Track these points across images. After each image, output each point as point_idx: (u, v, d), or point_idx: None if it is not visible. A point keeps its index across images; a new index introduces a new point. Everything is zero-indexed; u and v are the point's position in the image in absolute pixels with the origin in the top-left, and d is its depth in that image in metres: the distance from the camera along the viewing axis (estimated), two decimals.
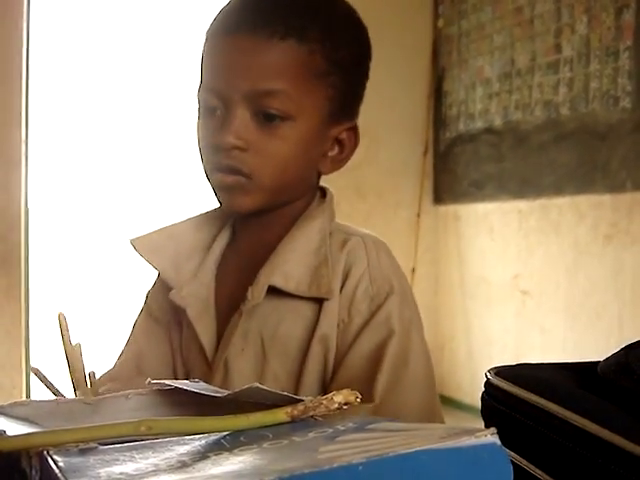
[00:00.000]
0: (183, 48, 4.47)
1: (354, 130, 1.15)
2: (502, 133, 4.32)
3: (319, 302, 1.07)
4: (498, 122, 4.35)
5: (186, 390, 0.60)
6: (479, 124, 4.52)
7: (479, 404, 0.61)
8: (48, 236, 4.39)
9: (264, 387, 0.53)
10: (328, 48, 1.08)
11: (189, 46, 4.44)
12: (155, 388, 0.63)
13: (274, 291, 1.07)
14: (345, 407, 0.53)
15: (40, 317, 4.37)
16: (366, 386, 0.99)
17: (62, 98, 4.39)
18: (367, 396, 0.97)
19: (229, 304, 1.12)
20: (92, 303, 4.17)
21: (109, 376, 1.16)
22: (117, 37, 4.49)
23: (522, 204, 4.16)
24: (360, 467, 0.38)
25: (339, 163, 1.15)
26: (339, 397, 0.53)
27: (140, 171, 4.49)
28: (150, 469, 0.42)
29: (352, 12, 1.15)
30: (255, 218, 1.14)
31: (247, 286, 1.08)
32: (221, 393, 0.57)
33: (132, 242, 1.17)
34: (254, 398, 0.54)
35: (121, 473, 0.41)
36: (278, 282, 1.07)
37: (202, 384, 0.62)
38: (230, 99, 1.05)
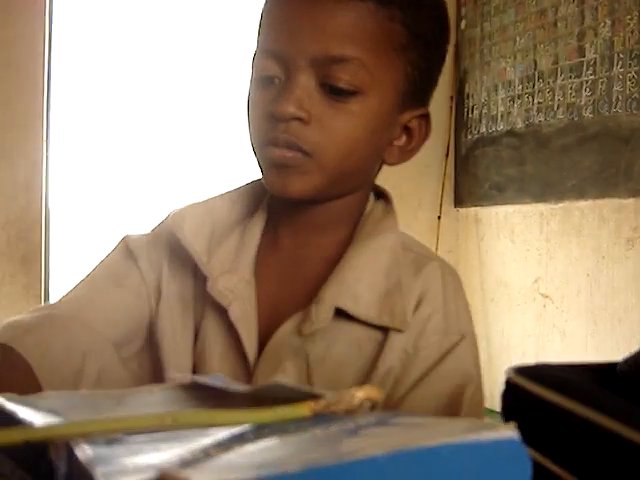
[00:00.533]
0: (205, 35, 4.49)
1: (426, 118, 1.02)
2: (524, 136, 4.31)
3: (384, 331, 0.95)
4: (520, 125, 4.34)
5: (209, 385, 0.61)
6: (501, 127, 4.51)
7: (499, 408, 0.62)
8: (68, 235, 4.42)
9: (286, 383, 0.54)
10: (410, 18, 0.93)
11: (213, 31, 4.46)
12: (178, 383, 0.64)
13: (338, 312, 0.95)
14: (366, 404, 0.54)
15: None
16: None
17: (83, 97, 4.42)
18: None
19: (271, 309, 0.99)
20: None
21: (49, 306, 1.02)
22: (137, 33, 4.51)
23: (544, 207, 4.15)
24: (383, 460, 0.39)
25: (407, 154, 1.02)
26: (361, 393, 0.53)
27: (161, 171, 4.51)
28: (175, 459, 0.43)
29: None
30: (303, 210, 1.01)
31: (293, 294, 0.98)
32: (244, 389, 0.58)
33: (171, 216, 1.03)
34: (276, 394, 0.54)
35: (147, 463, 0.42)
36: (347, 305, 0.94)
37: (224, 379, 0.63)
38: (292, 64, 0.91)
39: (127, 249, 1.07)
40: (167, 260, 1.05)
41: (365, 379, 0.95)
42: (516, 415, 0.58)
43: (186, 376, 0.63)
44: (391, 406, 0.92)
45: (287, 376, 0.94)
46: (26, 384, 0.85)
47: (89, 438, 0.45)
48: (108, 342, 0.97)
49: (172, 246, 1.04)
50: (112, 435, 0.46)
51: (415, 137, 1.01)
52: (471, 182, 4.76)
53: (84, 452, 0.43)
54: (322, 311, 0.94)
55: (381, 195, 1.08)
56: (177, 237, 1.01)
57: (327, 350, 0.96)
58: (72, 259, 4.41)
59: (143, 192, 4.48)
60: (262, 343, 0.98)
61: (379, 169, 1.05)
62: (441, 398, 0.93)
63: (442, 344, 0.96)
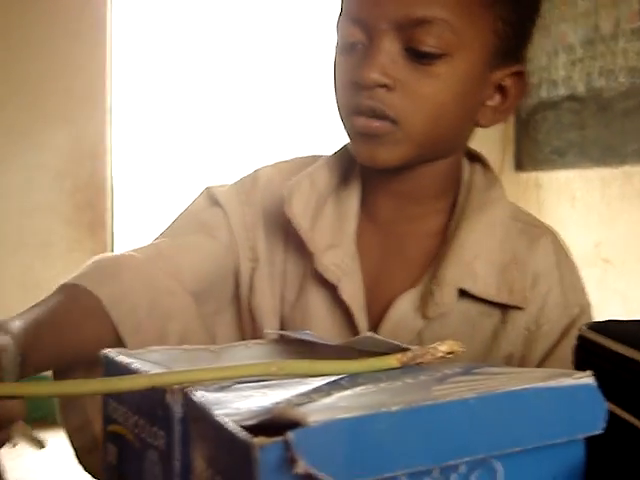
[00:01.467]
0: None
1: (521, 76, 0.96)
2: (585, 100, 4.28)
3: (504, 309, 0.94)
4: (581, 89, 4.31)
5: (302, 339, 0.65)
6: (562, 91, 4.48)
7: None
8: (133, 202, 4.49)
9: (377, 336, 0.58)
10: None
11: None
12: (271, 338, 0.69)
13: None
14: (449, 356, 0.58)
15: None
16: None
17: (147, 63, 4.47)
18: None
19: (377, 284, 0.98)
20: None
21: (140, 250, 1.00)
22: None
23: (605, 172, 4.13)
24: (474, 401, 0.43)
25: (501, 115, 0.97)
26: (444, 346, 0.57)
27: (226, 136, 4.55)
28: (280, 404, 0.47)
29: None
30: (395, 179, 0.97)
31: (399, 268, 0.96)
32: (335, 342, 0.63)
33: (285, 191, 0.99)
34: (367, 345, 0.59)
35: (259, 406, 0.46)
36: (468, 285, 0.92)
37: (313, 335, 0.67)
38: (375, 29, 0.88)
39: (215, 201, 1.05)
40: (263, 225, 1.03)
41: (482, 354, 0.93)
42: (589, 368, 0.62)
43: (279, 332, 0.67)
44: None
45: None
46: (107, 339, 0.87)
47: (202, 385, 0.50)
48: (191, 302, 0.97)
49: (268, 213, 1.03)
50: (223, 382, 0.51)
51: (510, 96, 0.96)
52: (532, 147, 4.74)
53: (201, 397, 0.48)
54: (446, 293, 0.92)
55: (474, 158, 1.05)
56: (285, 212, 0.99)
57: (442, 330, 0.93)
58: (137, 225, 4.49)
59: (207, 158, 4.53)
60: (373, 321, 0.96)
61: (472, 131, 1.00)
62: None
63: (562, 319, 0.95)
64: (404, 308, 0.94)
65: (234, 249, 1.02)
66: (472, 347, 0.93)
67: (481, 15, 0.89)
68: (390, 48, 0.87)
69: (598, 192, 4.20)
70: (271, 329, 0.97)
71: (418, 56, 0.87)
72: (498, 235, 0.96)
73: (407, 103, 0.88)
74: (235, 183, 1.08)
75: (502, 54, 0.93)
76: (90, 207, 4.10)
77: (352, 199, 1.01)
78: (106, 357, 0.61)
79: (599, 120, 4.17)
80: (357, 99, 0.89)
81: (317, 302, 0.98)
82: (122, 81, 4.31)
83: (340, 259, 0.97)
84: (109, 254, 0.99)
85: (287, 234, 1.02)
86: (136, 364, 0.57)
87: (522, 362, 0.93)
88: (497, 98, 0.96)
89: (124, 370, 0.57)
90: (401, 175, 0.97)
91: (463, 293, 0.93)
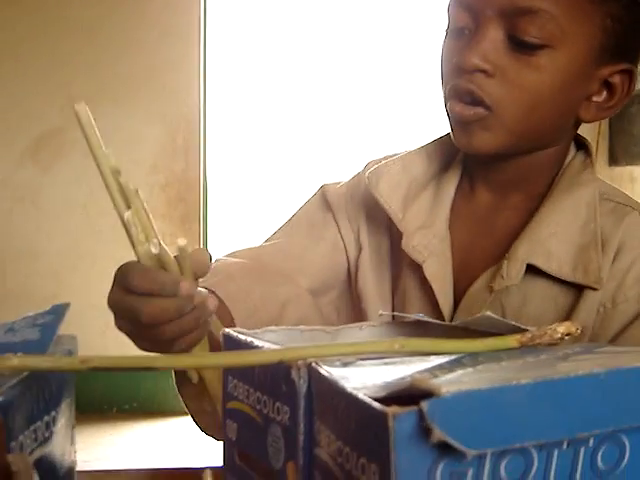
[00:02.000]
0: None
1: (630, 74, 0.95)
2: None
3: (580, 288, 0.94)
4: None
5: (414, 322, 0.66)
6: None
7: None
8: (225, 196, 4.54)
9: (495, 316, 0.59)
10: None
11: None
12: (384, 320, 0.70)
13: (529, 268, 0.94)
14: (567, 337, 0.58)
15: None
16: None
17: (241, 59, 4.52)
18: None
19: (467, 264, 1.00)
20: None
21: (251, 252, 1.05)
22: None
23: None
24: (603, 375, 0.43)
25: (606, 111, 0.97)
26: (562, 328, 0.58)
27: (317, 131, 4.57)
28: (406, 379, 0.48)
29: None
30: (497, 167, 0.99)
31: (488, 249, 0.98)
32: (450, 323, 0.63)
33: (369, 176, 1.03)
34: (484, 326, 0.59)
35: (384, 380, 0.47)
36: (539, 261, 0.93)
37: (426, 317, 0.68)
38: (482, 15, 0.90)
39: (325, 201, 1.10)
40: (365, 214, 1.08)
41: None
42: None
43: (392, 314, 0.68)
44: None
45: None
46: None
47: (326, 361, 0.51)
48: (306, 292, 1.02)
49: (368, 202, 1.07)
50: (346, 358, 0.52)
51: (617, 93, 0.96)
52: (626, 140, 4.66)
53: (328, 372, 0.49)
54: (513, 267, 0.93)
55: (582, 146, 1.04)
56: (373, 195, 1.03)
57: (523, 305, 0.95)
58: (229, 219, 4.54)
59: (300, 153, 4.56)
60: (457, 299, 0.98)
61: (576, 125, 1.00)
62: None
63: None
64: (480, 285, 0.96)
65: (341, 246, 1.08)
66: (536, 320, 0.92)
67: (589, 11, 0.90)
68: (494, 35, 0.89)
69: None
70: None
71: (520, 45, 0.89)
72: (582, 215, 0.96)
73: (504, 91, 0.90)
74: (349, 180, 1.13)
75: (610, 51, 0.92)
76: (183, 201, 4.16)
77: (450, 184, 1.03)
78: (226, 335, 0.63)
79: None
80: (457, 82, 0.91)
81: (410, 283, 1.01)
82: (215, 77, 4.36)
83: (428, 240, 0.99)
84: (226, 259, 1.04)
85: (386, 221, 1.05)
86: (257, 342, 0.58)
87: (595, 339, 0.93)
88: (604, 94, 0.96)
89: (246, 347, 0.59)
90: (501, 164, 0.99)
91: (535, 270, 0.94)
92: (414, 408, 0.40)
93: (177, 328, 0.72)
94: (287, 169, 4.54)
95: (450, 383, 0.44)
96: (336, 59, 4.52)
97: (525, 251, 0.94)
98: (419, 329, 0.66)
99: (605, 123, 4.78)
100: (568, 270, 0.93)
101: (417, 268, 1.00)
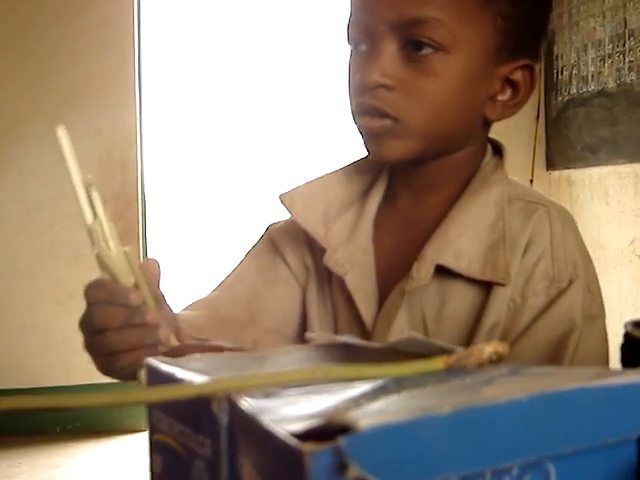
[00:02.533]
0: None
1: (531, 70, 0.99)
2: (616, 95, 4.25)
3: (489, 284, 0.96)
4: (611, 84, 4.28)
5: (342, 344, 0.65)
6: (592, 87, 4.45)
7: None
8: (165, 212, 4.51)
9: (420, 336, 0.57)
10: None
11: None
12: (314, 343, 0.68)
13: (441, 269, 0.96)
14: (494, 358, 0.57)
15: None
16: None
17: (176, 74, 4.49)
18: None
19: (390, 273, 1.02)
20: (209, 279, 4.28)
21: (206, 303, 1.07)
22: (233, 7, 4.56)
23: (638, 167, 4.09)
24: (526, 402, 0.42)
25: (512, 109, 1.01)
26: (489, 348, 0.57)
27: (254, 146, 4.56)
28: (328, 409, 0.47)
29: None
30: (415, 172, 1.03)
31: (409, 255, 0.99)
32: (377, 345, 0.62)
33: (281, 197, 1.06)
34: (410, 347, 0.58)
35: (306, 412, 0.46)
36: (448, 261, 0.96)
37: (355, 338, 0.67)
38: (375, 32, 0.94)
39: (271, 241, 1.13)
40: (305, 239, 1.10)
41: (472, 333, 0.96)
42: (636, 365, 0.61)
43: (320, 336, 0.67)
44: None
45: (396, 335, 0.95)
46: None
47: (248, 392, 0.50)
48: (271, 331, 1.05)
49: (298, 226, 1.09)
50: (269, 388, 0.51)
51: (521, 90, 0.99)
52: (563, 144, 4.71)
53: (247, 404, 0.47)
54: (422, 268, 0.96)
55: (498, 149, 1.07)
56: (291, 215, 1.07)
57: (442, 308, 0.98)
58: (169, 235, 4.50)
59: (236, 169, 4.54)
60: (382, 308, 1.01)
61: (486, 125, 1.04)
62: (546, 345, 0.93)
63: (549, 292, 0.96)
64: (397, 289, 0.99)
65: (294, 282, 1.11)
66: (454, 320, 0.97)
67: (478, 13, 0.93)
68: (389, 50, 0.93)
69: (632, 188, 4.17)
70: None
71: (415, 55, 0.93)
72: (491, 215, 0.98)
73: (407, 101, 0.93)
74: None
75: (507, 49, 0.96)
76: (121, 218, 4.13)
77: (375, 197, 1.07)
78: (149, 366, 0.61)
79: (630, 115, 4.14)
80: (362, 99, 0.95)
81: (338, 299, 1.05)
82: (152, 92, 4.33)
83: (351, 253, 1.03)
84: (187, 314, 1.05)
85: (311, 241, 1.09)
86: (180, 373, 0.57)
87: (506, 333, 0.95)
88: (508, 92, 0.99)
89: (167, 379, 0.57)
90: (417, 169, 1.02)
91: (449, 272, 0.96)
92: (331, 444, 0.38)
93: (122, 338, 0.77)
94: (226, 182, 4.52)
95: (370, 415, 0.43)
96: (271, 71, 4.51)
97: (434, 252, 0.97)
98: (347, 352, 0.64)
99: (542, 128, 4.84)
100: (477, 268, 0.95)
101: (343, 282, 1.02)
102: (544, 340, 0.93)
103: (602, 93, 4.36)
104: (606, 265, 4.38)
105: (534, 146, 4.82)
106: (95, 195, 0.81)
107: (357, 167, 1.10)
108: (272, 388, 0.51)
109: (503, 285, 0.95)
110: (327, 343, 0.66)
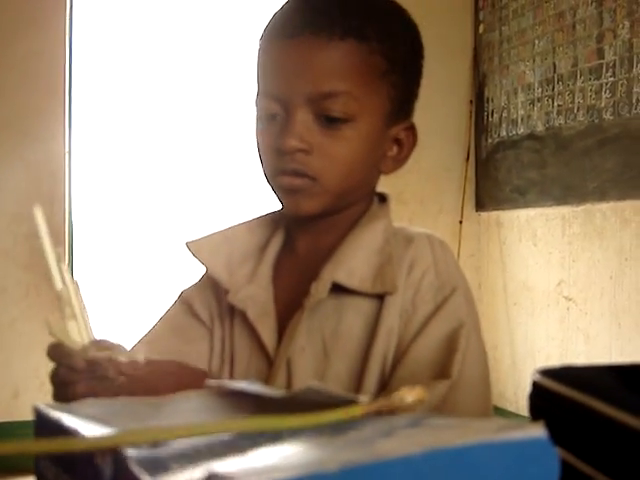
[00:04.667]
0: (234, 54, 4.51)
1: (412, 129, 1.14)
2: (544, 139, 4.31)
3: (381, 299, 1.06)
4: (540, 128, 4.35)
5: (245, 391, 0.63)
6: (521, 130, 4.51)
7: (523, 412, 0.63)
8: (92, 246, 4.45)
9: (321, 387, 0.55)
10: (387, 47, 1.07)
11: (240, 52, 4.48)
12: (213, 389, 0.66)
13: (336, 288, 1.06)
14: (417, 404, 0.56)
15: None
16: (438, 369, 1.00)
17: (104, 109, 4.45)
18: (440, 378, 0.99)
19: (289, 306, 1.10)
20: (137, 316, 4.21)
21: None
22: (162, 47, 4.54)
23: (565, 210, 4.15)
24: (417, 458, 0.40)
25: (399, 162, 1.15)
26: (411, 395, 0.55)
27: (183, 182, 4.53)
28: (215, 462, 0.45)
29: (404, 11, 1.13)
30: (313, 222, 1.13)
31: (307, 287, 1.07)
32: (279, 394, 0.60)
33: (188, 244, 1.15)
34: (310, 398, 0.56)
35: (191, 465, 0.43)
36: (342, 278, 1.06)
37: (259, 385, 0.65)
38: (291, 103, 1.04)
39: (183, 301, 1.21)
40: (210, 287, 1.19)
41: (366, 343, 1.06)
42: (543, 415, 0.60)
43: (221, 382, 0.65)
44: (396, 358, 1.04)
45: (307, 358, 1.06)
46: None
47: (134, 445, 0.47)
48: None
49: (203, 278, 1.20)
50: (160, 440, 0.48)
51: (405, 146, 1.14)
52: (492, 186, 4.76)
53: (130, 456, 0.45)
54: (320, 286, 1.06)
55: (384, 199, 1.20)
56: (197, 259, 1.15)
57: (338, 324, 1.07)
58: (96, 271, 4.44)
59: (165, 202, 4.51)
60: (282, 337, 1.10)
61: (378, 178, 1.17)
62: (440, 342, 1.03)
63: (437, 298, 1.06)
64: (297, 315, 1.08)
65: (206, 334, 1.18)
66: (351, 333, 1.07)
67: (377, 85, 1.07)
68: (305, 118, 1.04)
69: (559, 230, 4.22)
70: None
71: (328, 122, 1.05)
72: (379, 241, 1.10)
73: (323, 163, 1.05)
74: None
75: (395, 113, 1.11)
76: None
77: (274, 246, 1.18)
78: (37, 411, 0.58)
79: (559, 158, 4.20)
80: (281, 162, 1.06)
81: (239, 332, 1.13)
82: (80, 123, 4.28)
83: (252, 291, 1.13)
84: None
85: (216, 285, 1.17)
86: (68, 420, 0.54)
87: (401, 338, 1.05)
88: (395, 149, 1.14)
89: (54, 426, 0.54)
90: (320, 220, 1.13)
91: (343, 291, 1.07)
92: None
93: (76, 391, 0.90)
94: (156, 214, 4.48)
95: (256, 472, 0.40)
96: (200, 104, 4.50)
97: (330, 271, 1.07)
98: (248, 399, 0.62)
99: (472, 169, 4.89)
100: (368, 284, 1.06)
101: (244, 317, 1.12)
102: (437, 338, 1.04)
103: (531, 136, 4.42)
104: (533, 306, 4.42)
105: (464, 187, 4.86)
106: (63, 266, 0.94)
107: (259, 222, 1.21)
108: (162, 440, 0.49)
109: (391, 294, 1.05)
110: (226, 390, 0.63)
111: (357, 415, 0.53)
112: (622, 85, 3.74)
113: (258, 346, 1.10)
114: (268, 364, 1.09)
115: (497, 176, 4.72)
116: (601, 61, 3.89)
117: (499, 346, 4.66)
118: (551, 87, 4.27)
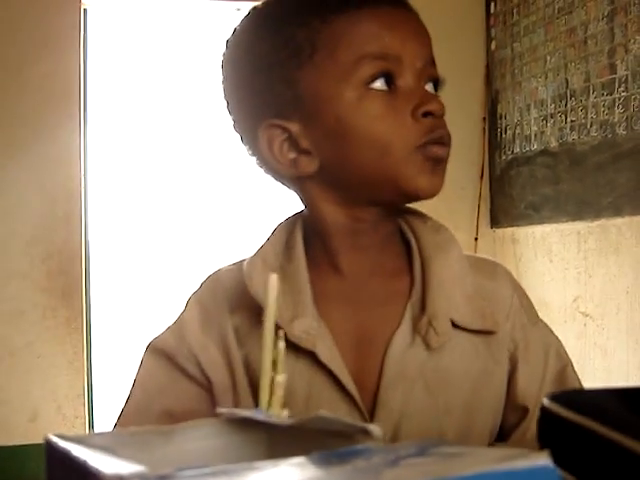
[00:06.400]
0: None
1: None
2: (558, 155, 4.30)
3: (482, 334, 1.02)
4: (554, 144, 4.34)
5: (254, 419, 0.63)
6: (535, 146, 4.51)
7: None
8: (109, 268, 4.46)
9: (329, 415, 0.56)
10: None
11: None
12: (224, 418, 0.66)
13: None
14: None
15: (102, 348, 4.43)
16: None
17: (120, 129, 4.47)
18: None
19: (351, 340, 1.00)
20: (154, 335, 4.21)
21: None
22: (173, 72, 4.56)
23: (580, 225, 4.13)
24: None
25: None
26: None
27: (202, 200, 4.54)
28: None
29: None
30: (363, 233, 1.02)
31: (371, 317, 0.99)
32: (288, 422, 0.60)
33: (244, 270, 1.01)
34: (320, 426, 0.56)
35: None
36: (455, 316, 0.99)
37: (267, 414, 0.65)
38: (413, 66, 0.98)
39: (161, 354, 1.07)
40: (230, 317, 1.04)
41: (472, 378, 1.01)
42: (552, 442, 0.60)
43: (232, 410, 0.65)
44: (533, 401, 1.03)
45: (415, 394, 0.97)
46: None
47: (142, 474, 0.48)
48: None
49: (235, 301, 1.04)
50: (164, 470, 0.48)
51: None
52: (507, 202, 4.75)
53: None
54: (443, 323, 0.98)
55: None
56: (248, 290, 1.00)
57: (443, 359, 0.99)
58: (113, 291, 4.45)
59: (182, 223, 4.51)
60: (359, 372, 0.99)
61: None
62: (551, 375, 1.08)
63: (526, 336, 1.07)
64: (400, 347, 0.98)
65: (202, 393, 1.05)
66: (471, 372, 1.00)
67: None
68: (426, 85, 1.01)
69: (575, 246, 4.20)
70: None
71: (435, 88, 1.03)
72: (458, 272, 1.04)
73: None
74: (176, 321, 1.11)
75: None
76: (64, 273, 4.06)
77: (300, 267, 1.02)
78: (48, 442, 0.58)
79: (573, 174, 4.18)
80: (434, 129, 0.99)
81: (296, 374, 0.96)
82: (97, 146, 4.31)
83: (308, 325, 0.98)
84: None
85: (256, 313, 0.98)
86: (77, 450, 0.54)
87: (510, 375, 1.05)
88: None
89: (63, 457, 0.55)
90: (374, 227, 1.03)
91: (452, 324, 1.00)
92: None
93: None
94: (171, 237, 4.49)
95: None
96: (211, 132, 4.52)
97: (443, 307, 0.99)
98: (260, 427, 0.62)
99: (486, 186, 4.88)
100: (469, 319, 1.00)
101: (304, 355, 0.98)
102: (552, 371, 1.10)
103: (545, 152, 4.42)
104: (550, 322, 4.34)
105: (478, 204, 4.85)
106: (281, 347, 0.71)
107: (275, 237, 1.07)
108: (168, 469, 0.49)
109: (496, 332, 1.02)
110: (235, 418, 0.64)
111: None
112: (635, 99, 3.73)
113: (332, 389, 0.98)
114: (353, 406, 0.97)
115: (511, 193, 4.71)
116: (613, 76, 3.88)
117: None
118: (564, 103, 4.27)
